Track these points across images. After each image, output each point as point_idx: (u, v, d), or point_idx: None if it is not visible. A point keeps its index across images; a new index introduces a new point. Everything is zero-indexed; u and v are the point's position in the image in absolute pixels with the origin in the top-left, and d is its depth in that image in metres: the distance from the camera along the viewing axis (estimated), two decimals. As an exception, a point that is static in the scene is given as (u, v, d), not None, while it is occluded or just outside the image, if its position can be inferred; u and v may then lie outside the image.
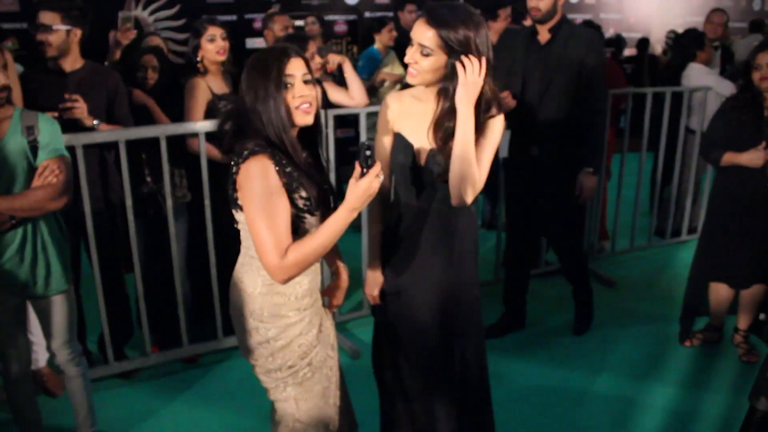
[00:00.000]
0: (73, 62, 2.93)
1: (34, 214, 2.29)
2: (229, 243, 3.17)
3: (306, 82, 1.81)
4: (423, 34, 1.88)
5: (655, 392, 3.16)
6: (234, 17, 6.22)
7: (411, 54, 1.92)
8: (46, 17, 2.83)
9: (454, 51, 1.86)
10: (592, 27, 5.02)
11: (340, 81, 3.67)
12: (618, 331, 3.73)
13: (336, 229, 1.76)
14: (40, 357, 3.13)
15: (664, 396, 3.13)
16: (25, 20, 5.04)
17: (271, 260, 1.73)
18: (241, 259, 1.94)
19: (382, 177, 1.75)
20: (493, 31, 4.25)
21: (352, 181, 1.73)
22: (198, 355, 3.44)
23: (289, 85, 1.78)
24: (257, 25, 6.36)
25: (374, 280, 2.19)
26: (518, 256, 3.66)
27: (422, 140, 2.02)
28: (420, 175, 2.04)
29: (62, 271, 2.42)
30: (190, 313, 3.45)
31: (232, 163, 1.79)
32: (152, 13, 5.73)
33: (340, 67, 3.57)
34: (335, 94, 3.51)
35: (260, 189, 1.72)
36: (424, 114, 2.01)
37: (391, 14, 6.82)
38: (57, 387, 3.10)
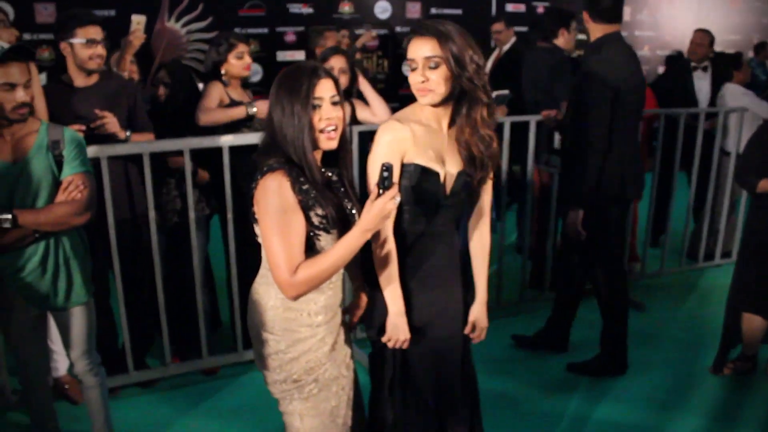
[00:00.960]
0: (94, 76, 2.95)
1: (58, 229, 2.29)
2: (248, 256, 3.20)
3: (334, 103, 1.81)
4: (423, 47, 1.87)
5: (682, 423, 3.05)
6: (266, 30, 6.28)
7: (419, 73, 1.88)
8: (98, 32, 2.87)
9: (455, 58, 1.85)
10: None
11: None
12: (645, 356, 3.62)
13: (348, 250, 1.76)
14: (61, 365, 3.15)
15: (692, 427, 3.02)
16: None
17: (282, 276, 1.74)
18: (260, 271, 1.95)
19: (398, 199, 1.72)
20: (563, 40, 4.14)
21: (367, 203, 1.71)
22: (218, 367, 3.43)
23: (316, 107, 1.78)
24: (289, 38, 6.41)
25: (403, 323, 1.98)
26: (567, 277, 3.56)
27: (447, 164, 1.98)
28: (443, 201, 2.00)
29: (83, 284, 2.43)
30: (209, 325, 3.44)
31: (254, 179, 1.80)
32: (185, 24, 5.80)
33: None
34: (363, 112, 3.54)
35: (275, 205, 1.73)
36: (443, 137, 1.98)
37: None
38: (77, 394, 3.12)
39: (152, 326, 3.36)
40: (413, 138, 1.94)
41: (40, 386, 2.60)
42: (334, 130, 1.81)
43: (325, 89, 1.79)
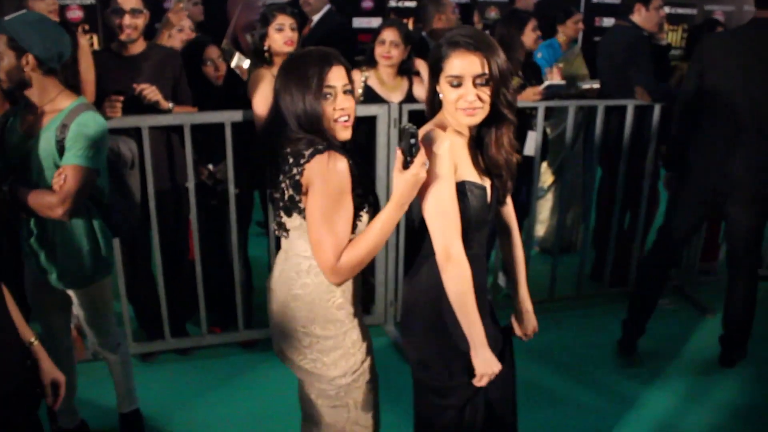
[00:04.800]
0: (140, 45, 2.95)
1: (39, 215, 2.18)
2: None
3: (346, 92, 1.73)
4: (473, 64, 1.69)
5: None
6: (343, -5, 6.13)
7: (470, 92, 1.69)
8: (130, 2, 2.84)
9: (501, 74, 1.71)
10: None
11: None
12: (709, 371, 3.30)
13: (386, 228, 1.69)
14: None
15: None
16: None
17: (328, 261, 1.67)
18: (292, 266, 1.83)
19: (427, 164, 1.63)
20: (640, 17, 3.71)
21: (396, 173, 1.62)
22: (255, 340, 3.42)
23: (329, 96, 1.70)
24: (366, 4, 6.27)
25: (490, 353, 1.81)
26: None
27: (484, 177, 1.83)
28: (488, 218, 1.86)
29: (71, 272, 2.33)
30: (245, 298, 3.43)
31: (287, 166, 1.69)
32: (261, -13, 5.74)
33: None
34: (418, 89, 3.39)
35: (334, 186, 1.66)
36: (467, 146, 1.82)
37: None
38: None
39: (194, 295, 3.40)
40: (453, 148, 1.76)
41: (64, 353, 2.56)
42: (346, 120, 1.74)
43: (336, 78, 1.71)
